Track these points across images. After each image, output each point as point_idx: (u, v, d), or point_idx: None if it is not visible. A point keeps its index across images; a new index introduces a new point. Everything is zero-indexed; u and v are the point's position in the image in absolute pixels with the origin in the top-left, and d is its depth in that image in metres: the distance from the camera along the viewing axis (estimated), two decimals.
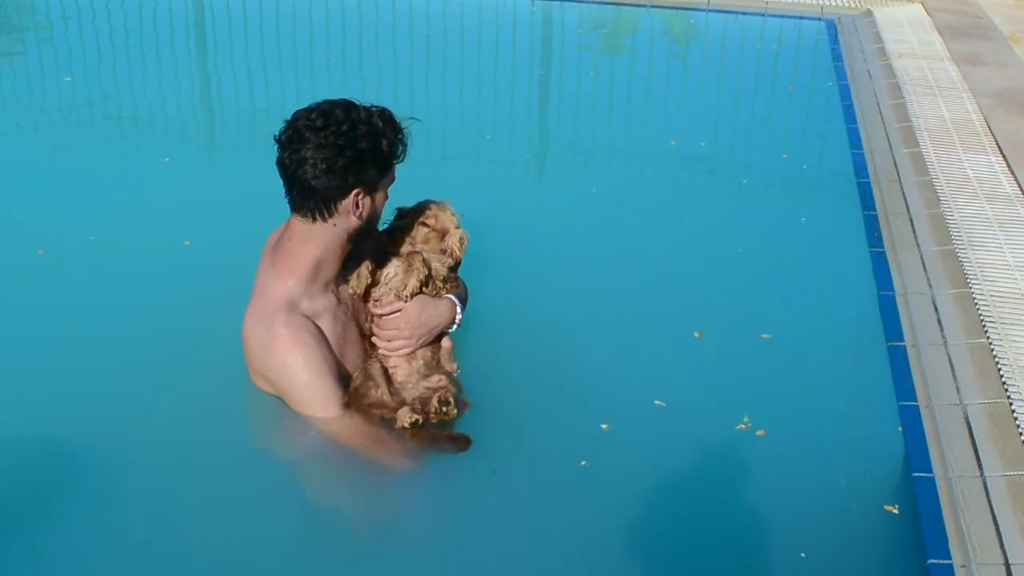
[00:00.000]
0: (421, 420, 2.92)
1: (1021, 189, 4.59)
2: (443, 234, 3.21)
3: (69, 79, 6.01)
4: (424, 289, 3.15)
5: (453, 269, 3.26)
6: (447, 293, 3.22)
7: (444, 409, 2.94)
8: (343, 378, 2.97)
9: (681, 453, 3.01)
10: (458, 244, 3.22)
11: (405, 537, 2.79)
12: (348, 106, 2.85)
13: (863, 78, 6.20)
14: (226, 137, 5.59)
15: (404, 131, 2.94)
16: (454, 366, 3.20)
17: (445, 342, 3.20)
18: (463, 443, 2.94)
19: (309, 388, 2.90)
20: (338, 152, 2.78)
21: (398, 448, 2.92)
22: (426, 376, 3.09)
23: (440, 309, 3.17)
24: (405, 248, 3.18)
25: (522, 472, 2.92)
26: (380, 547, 2.74)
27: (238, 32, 7.07)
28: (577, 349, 3.44)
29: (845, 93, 6.02)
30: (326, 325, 2.95)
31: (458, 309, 3.21)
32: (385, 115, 2.89)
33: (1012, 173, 4.76)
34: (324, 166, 2.77)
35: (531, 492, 2.85)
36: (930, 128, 5.27)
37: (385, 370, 3.06)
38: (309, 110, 2.83)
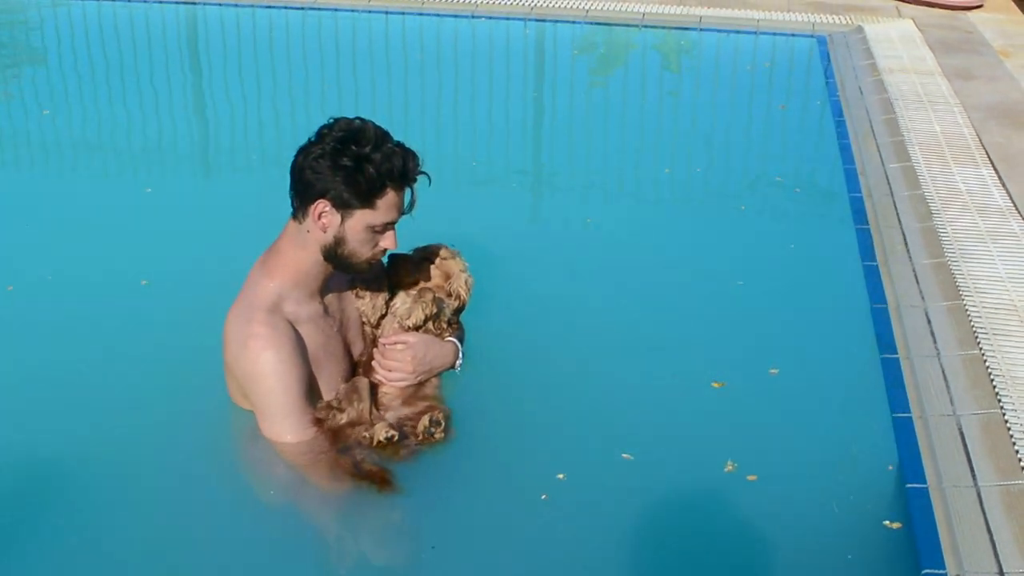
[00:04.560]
0: (396, 436, 2.90)
1: (1013, 202, 4.60)
2: (447, 276, 3.24)
3: (47, 112, 6.03)
4: (430, 326, 3.17)
5: (457, 313, 3.29)
6: (449, 336, 3.24)
7: (432, 430, 2.93)
8: (312, 390, 2.96)
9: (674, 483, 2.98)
10: (464, 287, 3.25)
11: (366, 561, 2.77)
12: (369, 127, 2.84)
13: (854, 94, 6.23)
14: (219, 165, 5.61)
15: (410, 179, 2.89)
16: (440, 396, 3.20)
17: (430, 388, 3.21)
18: (388, 487, 2.85)
19: (273, 393, 2.87)
20: (322, 154, 2.80)
21: (335, 471, 2.90)
22: (412, 402, 3.09)
23: (445, 351, 3.22)
24: (411, 280, 3.22)
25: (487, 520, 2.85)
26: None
27: (232, 58, 7.10)
28: (559, 386, 3.36)
29: (837, 109, 6.04)
30: (307, 333, 2.94)
31: (460, 354, 3.26)
32: (398, 152, 2.84)
33: (1004, 186, 4.78)
34: (307, 161, 2.81)
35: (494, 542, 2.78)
36: (922, 142, 5.29)
37: (372, 387, 3.06)
38: (345, 118, 2.88)
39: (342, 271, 2.99)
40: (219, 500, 2.88)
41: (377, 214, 2.87)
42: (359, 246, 2.91)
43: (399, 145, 2.89)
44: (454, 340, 3.26)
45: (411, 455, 2.93)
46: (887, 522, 2.84)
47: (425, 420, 2.94)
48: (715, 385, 3.36)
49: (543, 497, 2.85)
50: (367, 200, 2.84)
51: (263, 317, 2.86)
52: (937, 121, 5.60)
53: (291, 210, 2.93)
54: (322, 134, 2.86)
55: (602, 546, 2.72)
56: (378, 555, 2.79)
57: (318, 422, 2.92)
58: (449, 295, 3.25)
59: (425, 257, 3.27)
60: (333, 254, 2.90)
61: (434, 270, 3.27)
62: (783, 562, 2.73)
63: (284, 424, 2.89)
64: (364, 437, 2.89)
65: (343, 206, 2.83)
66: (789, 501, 2.92)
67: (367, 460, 2.89)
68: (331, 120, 2.90)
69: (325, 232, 2.86)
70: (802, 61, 7.29)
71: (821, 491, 2.96)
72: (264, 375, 2.85)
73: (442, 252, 3.28)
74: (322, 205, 2.83)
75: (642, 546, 2.73)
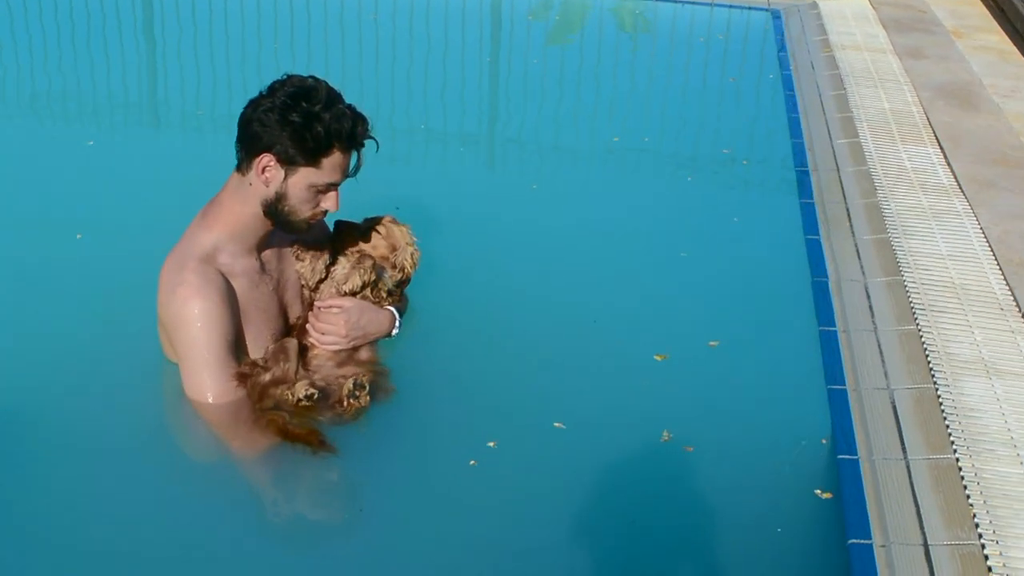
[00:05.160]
0: (316, 395, 2.87)
1: (957, 181, 4.64)
2: (394, 248, 3.21)
3: None
4: (368, 294, 3.14)
5: (400, 285, 3.26)
6: (389, 306, 3.21)
7: (356, 393, 2.89)
8: (240, 346, 2.93)
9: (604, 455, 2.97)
10: (409, 260, 3.23)
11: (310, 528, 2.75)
12: (321, 87, 2.83)
13: (806, 69, 6.24)
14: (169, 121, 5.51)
15: (356, 142, 2.88)
16: (376, 357, 3.18)
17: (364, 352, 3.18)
18: (324, 448, 2.83)
19: (197, 342, 2.83)
20: (271, 108, 2.78)
21: (253, 433, 2.87)
22: (344, 367, 3.06)
23: (380, 318, 3.19)
24: (353, 249, 3.18)
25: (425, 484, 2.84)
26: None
27: (187, 18, 6.95)
28: (497, 356, 3.35)
29: (788, 83, 6.05)
30: (240, 287, 2.92)
31: (397, 323, 3.24)
32: (348, 113, 2.84)
33: (948, 165, 4.81)
34: (254, 116, 2.79)
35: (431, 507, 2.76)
36: (870, 119, 5.32)
37: (302, 349, 3.04)
38: (297, 75, 2.86)
39: (281, 228, 2.97)
40: (145, 459, 2.86)
41: (321, 173, 2.85)
42: (300, 204, 2.89)
43: (350, 107, 2.88)
44: (391, 309, 3.24)
45: (337, 420, 2.90)
46: (818, 491, 2.86)
47: (349, 383, 2.90)
48: (657, 358, 3.35)
49: (472, 463, 2.84)
50: (312, 158, 2.82)
51: (195, 266, 2.84)
52: (887, 98, 5.63)
53: (235, 163, 2.90)
54: (273, 88, 2.84)
55: (528, 512, 2.72)
56: (308, 515, 2.77)
57: (241, 377, 2.88)
58: (394, 267, 3.22)
59: (372, 227, 3.24)
60: (273, 209, 2.88)
61: (381, 240, 3.24)
62: (714, 530, 2.75)
63: (204, 375, 2.85)
64: (286, 396, 2.86)
65: (288, 162, 2.81)
66: (723, 471, 2.94)
67: (296, 422, 2.86)
68: (284, 76, 2.88)
69: (267, 186, 2.84)
70: (756, 35, 7.30)
71: (755, 462, 2.99)
72: (189, 323, 2.82)
73: (390, 223, 3.25)
74: (266, 159, 2.81)
75: (568, 514, 2.72)
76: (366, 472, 2.83)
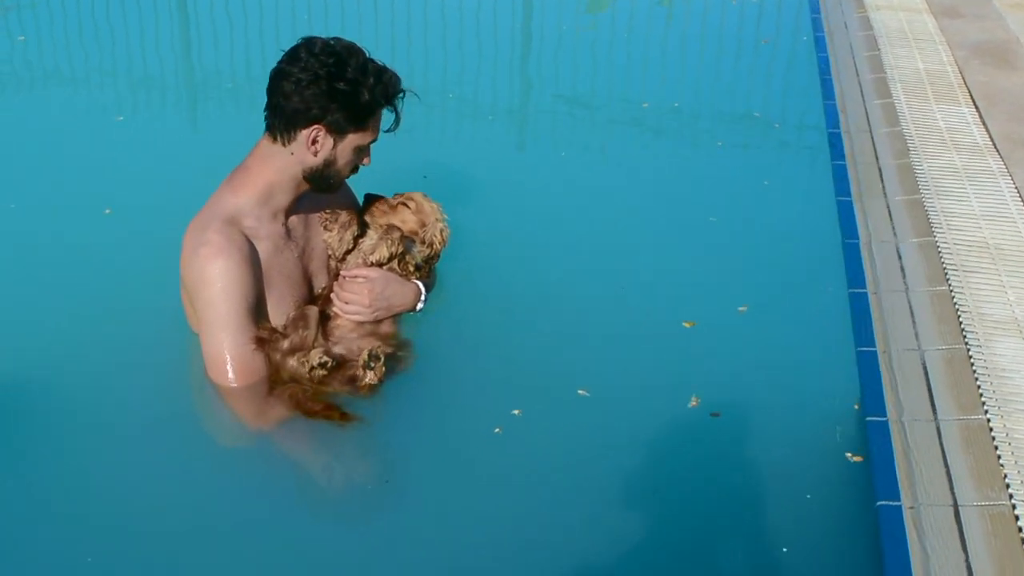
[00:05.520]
0: (331, 363, 2.87)
1: (992, 140, 4.57)
2: (423, 223, 3.21)
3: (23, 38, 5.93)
4: (395, 266, 3.14)
5: (429, 261, 3.24)
6: (416, 280, 3.21)
7: (372, 364, 2.87)
8: (260, 310, 2.91)
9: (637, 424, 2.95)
10: (439, 235, 3.21)
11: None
12: (352, 48, 2.86)
13: (840, 30, 6.16)
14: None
15: (399, 99, 2.92)
16: (399, 331, 3.17)
17: (387, 325, 3.17)
18: (343, 419, 2.83)
19: (216, 302, 2.82)
20: (314, 79, 2.78)
21: (268, 404, 2.87)
22: (366, 339, 3.06)
23: (405, 291, 3.18)
24: (382, 221, 3.17)
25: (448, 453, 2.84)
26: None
27: None
28: (525, 324, 3.33)
29: (821, 45, 5.97)
30: (264, 251, 2.91)
31: (422, 298, 3.22)
32: (385, 74, 2.88)
33: (983, 124, 4.74)
34: (295, 87, 2.79)
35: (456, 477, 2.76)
36: (904, 79, 5.24)
37: (324, 318, 3.04)
38: (319, 37, 2.86)
39: (316, 190, 2.99)
40: (170, 434, 2.87)
41: (367, 135, 2.91)
42: (345, 166, 2.95)
43: (381, 64, 2.90)
44: (418, 283, 3.22)
45: (354, 392, 2.89)
46: (849, 454, 2.85)
47: (365, 354, 2.88)
48: (686, 325, 3.34)
49: (497, 431, 2.84)
50: (362, 124, 2.87)
51: (219, 226, 2.84)
52: (921, 58, 5.55)
53: (267, 130, 2.90)
54: (300, 55, 2.82)
55: (553, 480, 2.72)
56: (332, 487, 2.78)
57: (260, 342, 2.86)
58: (423, 242, 3.21)
59: (403, 202, 3.23)
60: (318, 175, 2.92)
61: (411, 215, 3.22)
62: (741, 497, 2.73)
63: (223, 335, 2.83)
64: (302, 363, 2.86)
65: (338, 131, 2.85)
66: (750, 437, 2.93)
67: (313, 397, 2.86)
68: (305, 40, 2.87)
69: (316, 156, 2.87)
70: None
71: (784, 426, 2.97)
72: (210, 282, 2.81)
73: (421, 199, 3.25)
74: (316, 131, 2.83)
75: (593, 482, 2.72)
76: (391, 443, 2.84)
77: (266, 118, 2.90)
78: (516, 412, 2.91)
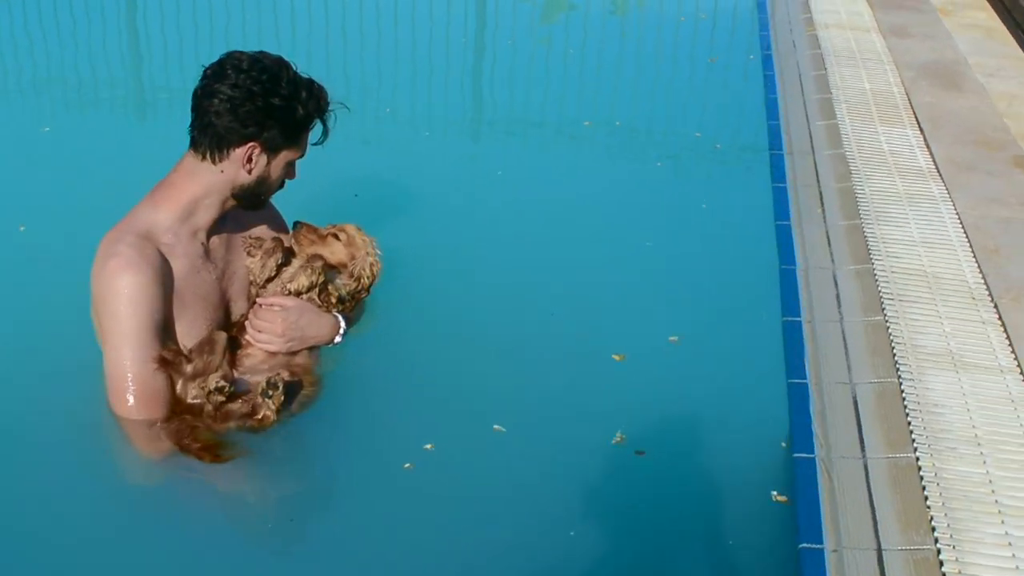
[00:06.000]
0: (228, 388, 2.75)
1: (935, 163, 4.51)
2: (353, 257, 3.11)
3: None
4: (315, 297, 3.04)
5: (355, 295, 3.13)
6: (337, 313, 3.10)
7: (270, 392, 2.74)
8: (168, 330, 2.79)
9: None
10: (368, 271, 3.11)
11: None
12: (281, 63, 2.81)
13: (788, 48, 6.10)
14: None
15: (329, 111, 2.87)
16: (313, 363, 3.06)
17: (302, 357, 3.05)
18: (215, 461, 2.71)
19: (120, 316, 2.70)
20: (248, 97, 2.71)
21: (158, 434, 2.76)
22: (276, 367, 2.93)
23: (321, 322, 3.06)
24: (310, 250, 3.07)
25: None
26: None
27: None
28: (447, 355, 3.23)
29: (769, 64, 5.92)
30: (179, 269, 2.80)
31: (340, 331, 3.10)
32: (314, 87, 2.84)
33: (928, 147, 4.69)
34: (229, 105, 2.71)
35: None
36: (849, 100, 5.19)
37: (235, 345, 2.93)
38: (243, 52, 2.79)
39: (246, 207, 2.92)
40: (75, 456, 2.78)
41: (298, 149, 2.88)
42: (276, 182, 2.90)
43: (308, 78, 2.85)
44: (337, 316, 3.11)
45: (255, 424, 2.78)
46: (775, 494, 2.76)
47: (264, 382, 2.76)
48: (616, 358, 3.23)
49: (407, 466, 2.74)
50: (296, 140, 2.85)
51: (132, 240, 2.73)
52: (868, 79, 5.50)
53: (192, 147, 2.81)
54: (227, 73, 2.73)
55: (462, 518, 2.62)
56: (235, 520, 2.67)
57: (162, 362, 2.74)
58: (351, 276, 3.10)
59: (334, 233, 3.12)
60: (250, 193, 2.86)
61: (341, 247, 3.12)
62: (659, 540, 2.64)
63: (124, 351, 2.71)
64: (200, 387, 2.74)
65: (272, 149, 2.80)
66: (676, 476, 2.85)
67: (198, 434, 2.74)
68: (228, 56, 2.78)
69: (250, 174, 2.81)
70: (742, 12, 7.13)
71: (711, 464, 2.90)
72: (116, 295, 2.69)
73: (353, 231, 3.15)
74: (252, 148, 2.77)
75: (503, 521, 2.62)
76: (298, 477, 2.76)
77: (192, 137, 2.81)
78: (428, 447, 2.80)
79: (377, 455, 2.80)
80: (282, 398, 2.74)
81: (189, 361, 2.77)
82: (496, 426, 2.90)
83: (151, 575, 2.45)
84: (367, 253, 3.13)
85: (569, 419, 2.97)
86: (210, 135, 2.76)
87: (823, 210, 4.17)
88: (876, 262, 3.70)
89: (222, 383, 2.73)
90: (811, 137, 4.84)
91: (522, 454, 2.82)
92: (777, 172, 4.55)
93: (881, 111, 5.07)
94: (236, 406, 2.77)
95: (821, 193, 4.30)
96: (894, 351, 3.21)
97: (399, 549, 2.53)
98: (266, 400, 2.73)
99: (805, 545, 2.55)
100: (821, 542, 2.56)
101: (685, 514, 2.72)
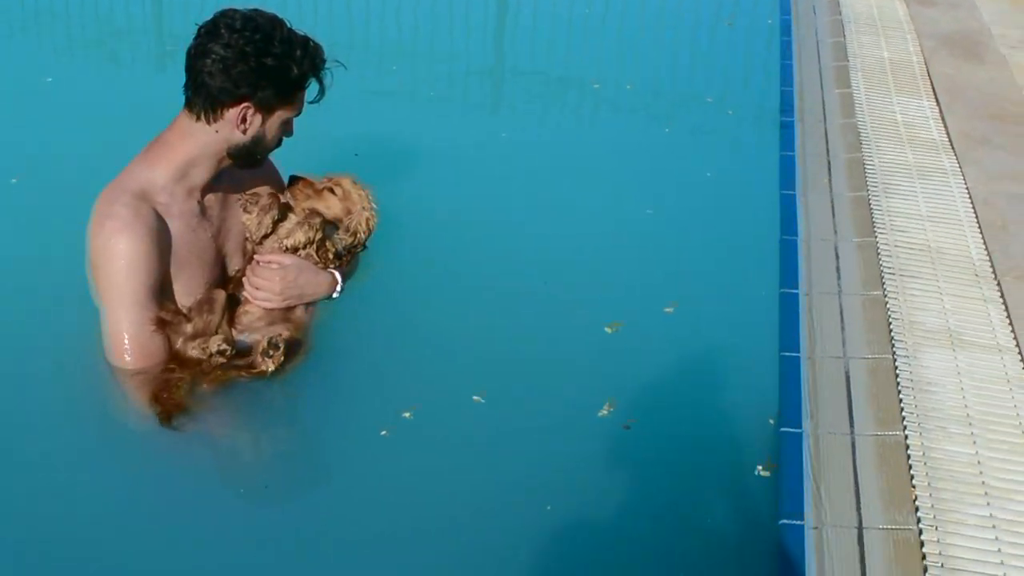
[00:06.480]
0: (230, 351, 2.76)
1: (948, 136, 4.44)
2: (349, 211, 3.09)
3: None
4: (312, 252, 3.03)
5: (351, 249, 3.12)
6: (334, 269, 3.09)
7: (271, 352, 2.75)
8: (166, 291, 2.80)
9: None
10: (363, 226, 3.09)
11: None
12: (275, 21, 2.77)
13: (807, 13, 5.99)
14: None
15: (325, 69, 2.85)
16: (309, 319, 3.05)
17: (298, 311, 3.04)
18: (166, 423, 2.70)
19: (118, 278, 2.70)
20: (241, 57, 2.68)
21: (151, 395, 2.75)
22: (275, 327, 2.93)
23: (319, 280, 3.06)
24: (306, 205, 3.05)
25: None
26: None
27: None
28: (438, 319, 3.18)
29: (786, 28, 5.80)
30: (176, 229, 2.80)
31: (338, 287, 3.10)
32: (309, 45, 2.80)
33: (943, 119, 4.61)
34: (221, 65, 2.69)
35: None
36: (866, 68, 5.10)
37: (231, 302, 2.92)
38: (236, 10, 2.75)
39: (242, 166, 2.90)
40: (80, 415, 2.77)
41: (294, 108, 2.85)
42: (272, 141, 2.87)
43: (303, 35, 2.82)
44: (334, 272, 3.10)
45: (256, 376, 2.78)
46: (760, 468, 2.73)
47: (264, 341, 2.78)
48: (608, 329, 3.18)
49: (382, 433, 2.71)
50: (290, 99, 2.81)
51: (128, 200, 2.72)
52: (887, 47, 5.40)
53: (186, 107, 2.78)
54: (220, 32, 2.70)
55: (436, 488, 2.59)
56: (206, 490, 2.61)
57: (160, 323, 2.75)
58: (347, 230, 3.08)
59: (330, 187, 3.10)
60: (246, 152, 2.84)
61: (336, 201, 3.11)
62: (642, 513, 2.60)
63: (121, 313, 2.72)
64: (202, 348, 2.74)
65: (266, 108, 2.78)
66: (662, 447, 2.80)
67: (175, 392, 2.74)
68: (221, 14, 2.75)
69: (245, 134, 2.79)
70: None
71: (697, 436, 2.86)
72: (113, 258, 2.69)
73: (349, 184, 3.12)
74: (245, 109, 2.75)
75: (482, 494, 2.58)
76: (274, 441, 2.75)
77: (186, 96, 2.79)
78: (406, 415, 2.78)
79: (353, 420, 2.77)
80: (282, 358, 2.77)
81: (188, 320, 2.78)
82: (476, 396, 2.86)
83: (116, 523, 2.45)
84: (363, 207, 3.11)
85: (555, 390, 2.92)
86: (203, 95, 2.74)
87: (830, 180, 4.10)
88: (880, 235, 3.64)
89: (224, 346, 2.74)
90: (824, 105, 4.77)
91: (502, 424, 2.79)
92: (786, 140, 4.47)
93: (898, 81, 4.98)
94: (236, 363, 2.78)
95: (829, 163, 4.24)
96: (891, 327, 3.17)
97: (369, 516, 2.51)
98: (266, 359, 2.76)
99: (786, 521, 2.52)
100: (802, 518, 2.53)
101: (668, 486, 2.68)
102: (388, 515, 2.50)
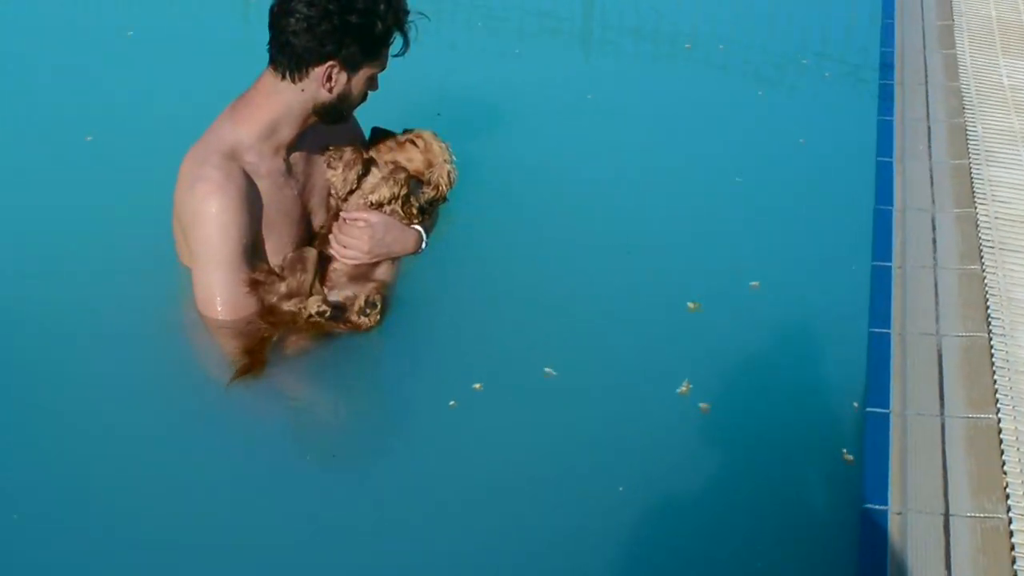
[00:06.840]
0: (329, 313, 2.77)
1: None
2: (430, 164, 3.09)
3: None
4: (398, 208, 3.04)
5: (433, 203, 3.12)
6: (417, 223, 3.10)
7: (368, 311, 2.81)
8: (257, 251, 2.82)
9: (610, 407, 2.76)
10: (445, 179, 3.09)
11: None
12: None
13: None
14: None
15: (409, 23, 2.82)
16: (394, 275, 3.07)
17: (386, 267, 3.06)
18: (243, 373, 2.70)
19: (211, 241, 2.73)
20: (325, 16, 2.67)
21: (240, 348, 2.76)
22: (361, 283, 2.96)
23: (406, 237, 3.07)
24: (388, 158, 3.06)
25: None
26: None
27: None
28: (517, 284, 3.15)
29: None
30: (265, 188, 2.81)
31: (423, 244, 3.12)
32: (390, 2, 2.77)
33: None
34: (305, 24, 2.68)
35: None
36: (972, 28, 4.89)
37: (322, 259, 2.94)
38: None
39: (328, 122, 2.90)
40: (161, 375, 2.79)
41: (379, 64, 2.84)
42: (358, 98, 2.88)
43: None
44: (419, 229, 3.11)
45: (351, 331, 2.83)
46: (844, 451, 2.64)
47: (361, 300, 2.82)
48: (691, 306, 3.10)
49: (451, 404, 2.69)
50: (376, 56, 2.80)
51: (218, 161, 2.74)
52: (996, 5, 5.17)
53: (271, 65, 2.79)
54: None
55: (506, 462, 2.56)
56: (275, 458, 2.61)
57: (254, 284, 2.77)
58: (428, 183, 3.08)
59: (411, 139, 3.10)
60: (332, 109, 2.84)
61: (418, 154, 3.11)
62: (722, 496, 2.52)
63: (215, 276, 2.75)
64: (299, 309, 2.76)
65: (352, 66, 2.77)
66: (743, 429, 2.70)
67: (263, 345, 2.76)
68: None
69: (331, 92, 2.79)
70: None
71: (780, 417, 2.76)
72: (205, 220, 2.72)
73: (430, 138, 3.12)
74: (331, 67, 2.74)
75: (554, 471, 2.54)
76: (343, 413, 2.76)
77: (271, 55, 2.79)
78: (477, 387, 2.75)
79: (423, 390, 2.77)
80: (378, 317, 2.83)
81: (282, 280, 2.80)
82: (547, 368, 2.81)
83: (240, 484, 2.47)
84: (444, 160, 3.11)
85: (631, 366, 2.86)
86: (288, 54, 2.73)
87: (929, 147, 3.95)
88: (980, 206, 3.50)
89: (323, 307, 2.76)
90: (926, 68, 4.59)
91: (577, 400, 2.74)
92: (884, 104, 4.30)
93: (1006, 42, 4.76)
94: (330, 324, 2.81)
95: (929, 129, 4.08)
96: (988, 303, 3.05)
97: (437, 486, 2.49)
98: (362, 319, 2.82)
99: (869, 505, 2.44)
100: (886, 503, 2.45)
101: (746, 468, 2.60)
102: (451, 489, 2.48)
